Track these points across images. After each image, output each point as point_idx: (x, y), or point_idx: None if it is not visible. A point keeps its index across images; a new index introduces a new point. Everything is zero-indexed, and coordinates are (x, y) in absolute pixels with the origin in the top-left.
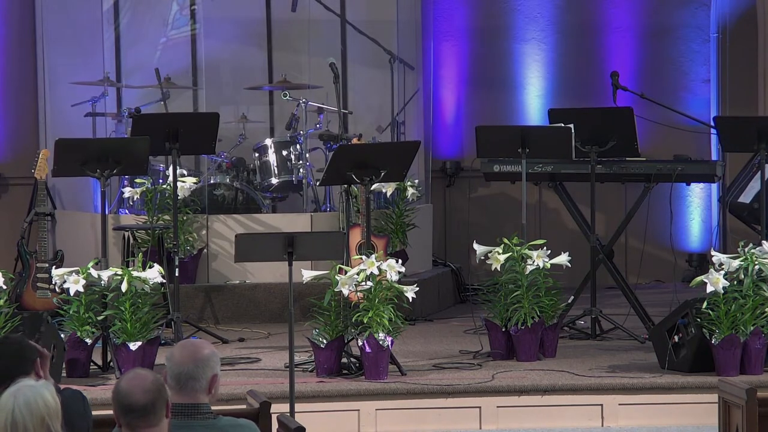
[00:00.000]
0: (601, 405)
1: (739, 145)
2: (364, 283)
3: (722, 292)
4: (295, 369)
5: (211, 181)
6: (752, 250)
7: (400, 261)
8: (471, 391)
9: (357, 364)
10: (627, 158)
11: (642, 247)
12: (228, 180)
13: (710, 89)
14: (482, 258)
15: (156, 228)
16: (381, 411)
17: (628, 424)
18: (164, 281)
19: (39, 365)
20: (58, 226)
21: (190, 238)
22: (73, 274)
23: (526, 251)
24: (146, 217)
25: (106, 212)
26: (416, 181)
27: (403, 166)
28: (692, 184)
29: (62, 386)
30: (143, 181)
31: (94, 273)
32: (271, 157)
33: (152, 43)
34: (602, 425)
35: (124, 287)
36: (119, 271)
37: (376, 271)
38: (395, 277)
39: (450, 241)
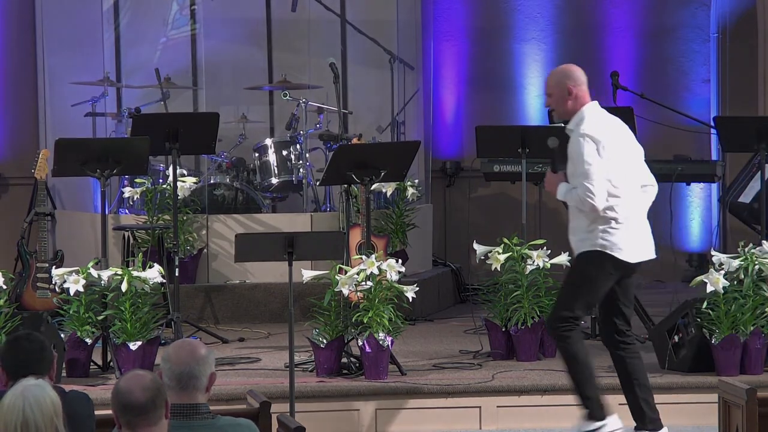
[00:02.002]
0: None
1: (739, 145)
2: (364, 283)
3: (722, 292)
4: (295, 369)
5: (211, 181)
6: (752, 250)
7: (400, 261)
8: (471, 391)
9: (357, 364)
10: None
11: None
12: (228, 180)
13: (710, 89)
14: (482, 258)
15: (156, 228)
16: (381, 411)
17: (628, 424)
18: (164, 281)
19: (54, 368)
20: (58, 226)
21: (190, 238)
22: (73, 274)
23: (526, 251)
24: (146, 217)
25: (106, 212)
26: (416, 181)
27: (403, 166)
28: (692, 184)
29: (67, 387)
30: (143, 181)
31: (94, 273)
32: (271, 157)
33: (152, 43)
34: None
35: (124, 287)
36: (119, 271)
37: (376, 271)
38: (395, 277)
39: (450, 241)
